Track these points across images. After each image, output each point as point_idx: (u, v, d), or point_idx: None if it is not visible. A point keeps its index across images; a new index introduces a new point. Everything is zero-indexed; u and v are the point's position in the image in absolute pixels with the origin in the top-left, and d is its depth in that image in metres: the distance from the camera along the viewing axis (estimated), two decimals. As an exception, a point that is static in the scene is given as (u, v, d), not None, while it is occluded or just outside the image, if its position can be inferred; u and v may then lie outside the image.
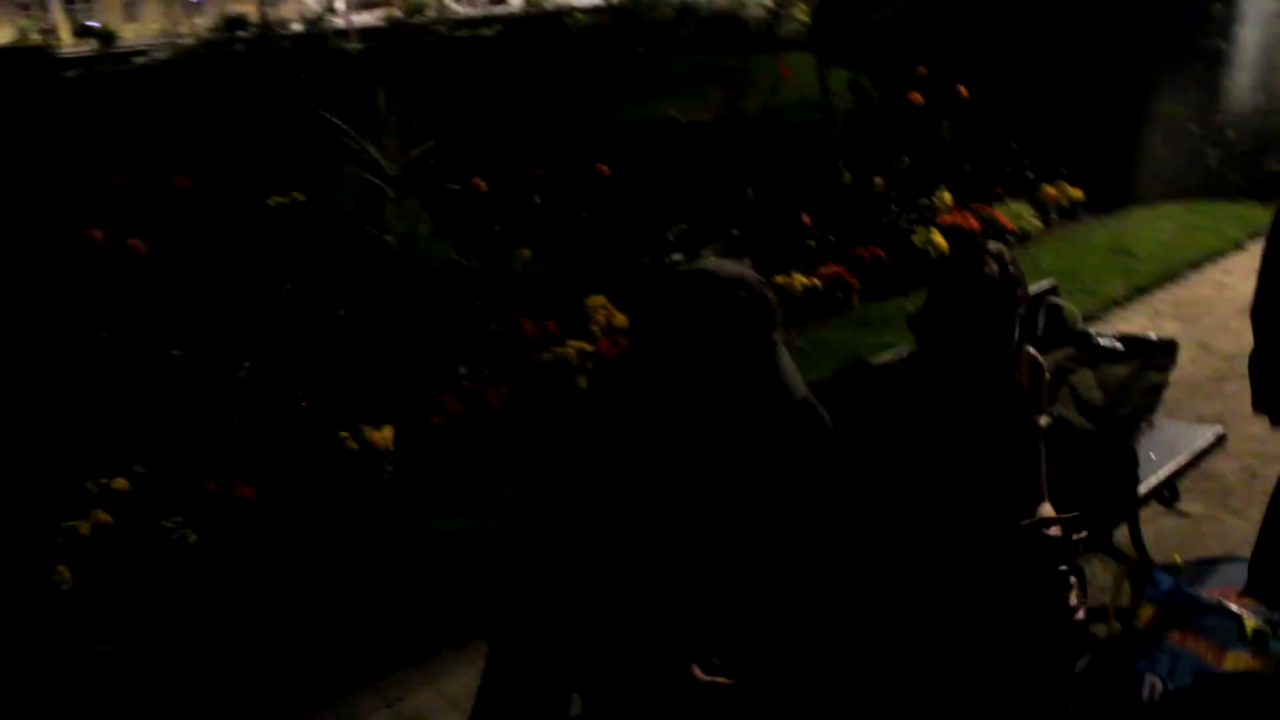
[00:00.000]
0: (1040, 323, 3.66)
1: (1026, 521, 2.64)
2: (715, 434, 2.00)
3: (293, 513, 4.30)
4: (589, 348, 5.23)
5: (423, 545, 4.05)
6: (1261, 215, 7.92)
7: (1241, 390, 5.32)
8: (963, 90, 7.24)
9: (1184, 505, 4.09)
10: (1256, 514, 4.10)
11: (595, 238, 5.75)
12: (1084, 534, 2.63)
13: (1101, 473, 3.26)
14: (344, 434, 4.58)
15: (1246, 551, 3.85)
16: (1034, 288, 3.80)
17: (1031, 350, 2.73)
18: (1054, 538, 2.61)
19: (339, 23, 20.14)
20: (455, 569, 3.86)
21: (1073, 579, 2.60)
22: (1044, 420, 2.72)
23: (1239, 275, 7.03)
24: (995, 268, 2.49)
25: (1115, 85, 7.91)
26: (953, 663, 2.50)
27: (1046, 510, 2.73)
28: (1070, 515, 2.65)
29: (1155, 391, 3.38)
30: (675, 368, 1.94)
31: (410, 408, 4.79)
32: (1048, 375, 2.77)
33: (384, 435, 4.59)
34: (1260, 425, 4.84)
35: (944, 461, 2.62)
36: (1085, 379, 3.38)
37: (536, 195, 5.70)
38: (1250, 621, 2.85)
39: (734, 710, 2.11)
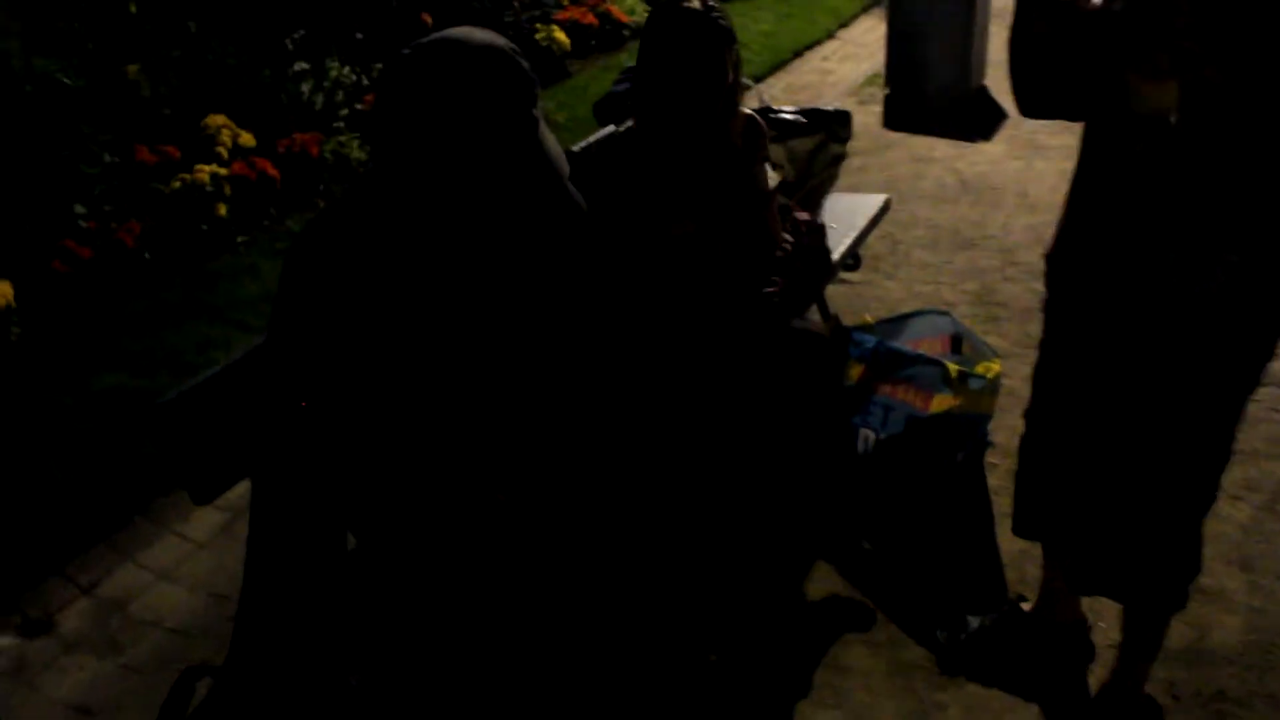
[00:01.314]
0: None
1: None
2: (480, 222, 1.83)
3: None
4: (222, 171, 4.74)
5: (85, 408, 3.57)
6: (845, 4, 8.42)
7: (865, 165, 5.73)
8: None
9: (843, 275, 4.35)
10: (905, 276, 4.47)
11: (207, 50, 5.14)
12: None
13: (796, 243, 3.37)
14: (-51, 297, 3.91)
15: (909, 308, 4.18)
16: None
17: (747, 110, 2.70)
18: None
19: None
20: (128, 427, 3.44)
21: None
22: (775, 177, 2.73)
23: (836, 60, 7.47)
24: (698, 4, 2.47)
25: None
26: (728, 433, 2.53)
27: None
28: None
29: (837, 163, 3.52)
30: (428, 152, 1.75)
31: (27, 259, 4.15)
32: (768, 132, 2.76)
33: (1, 292, 3.96)
34: (891, 197, 5.25)
35: (675, 230, 2.57)
36: (775, 154, 3.44)
37: (132, 4, 4.97)
38: (953, 366, 3.09)
39: (531, 533, 2.03)
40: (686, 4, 2.47)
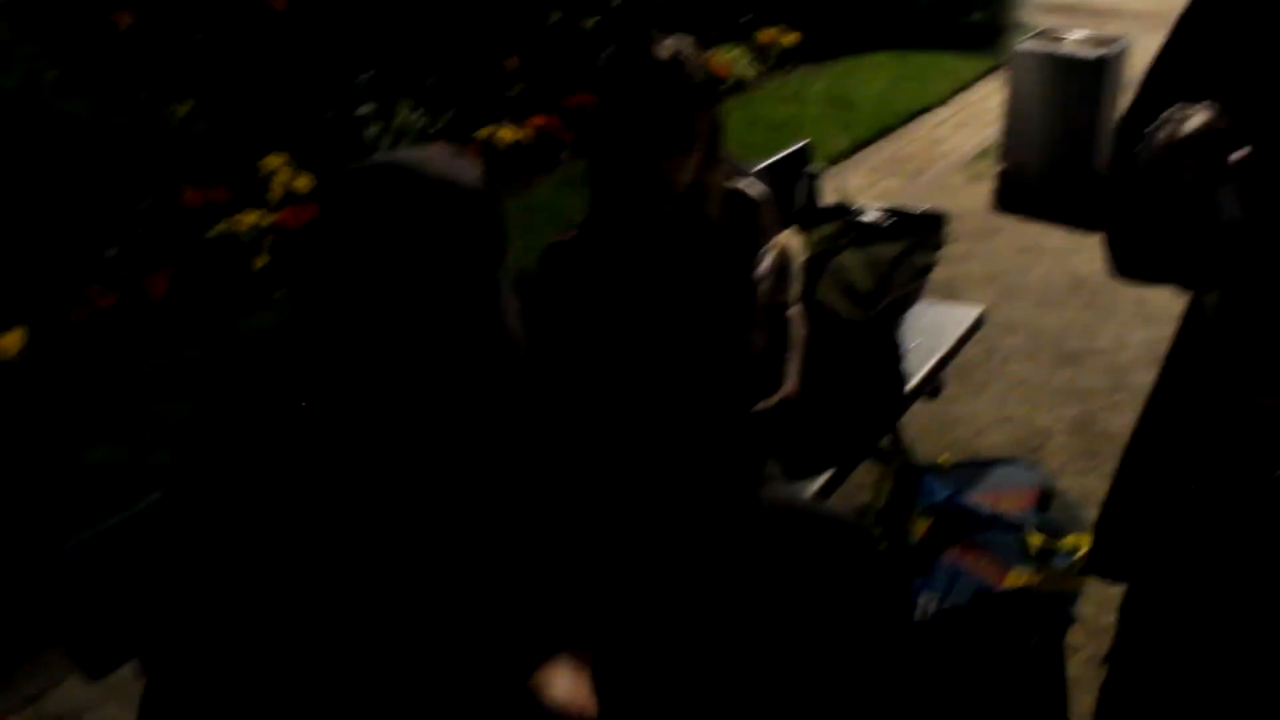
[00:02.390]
0: (798, 196, 3.26)
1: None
2: (412, 402, 1.46)
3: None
4: (267, 219, 4.47)
5: (68, 485, 3.29)
6: (966, 67, 7.92)
7: (968, 253, 5.27)
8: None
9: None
10: (998, 390, 4.00)
11: (271, 86, 4.90)
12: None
13: (867, 369, 2.94)
14: (-45, 340, 3.69)
15: (997, 434, 3.73)
16: (785, 152, 3.45)
17: (740, 185, 2.27)
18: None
19: None
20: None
21: None
22: (767, 262, 2.24)
23: (950, 129, 6.99)
24: (666, 54, 2.02)
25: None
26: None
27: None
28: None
29: (924, 274, 3.08)
30: (353, 306, 1.37)
31: (47, 303, 3.91)
32: (768, 211, 2.31)
33: (10, 341, 3.72)
34: (991, 293, 4.78)
35: (649, 336, 2.15)
36: (851, 260, 3.01)
37: (199, 34, 4.76)
38: (1035, 538, 2.64)
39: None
40: (662, 46, 2.01)
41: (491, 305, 1.38)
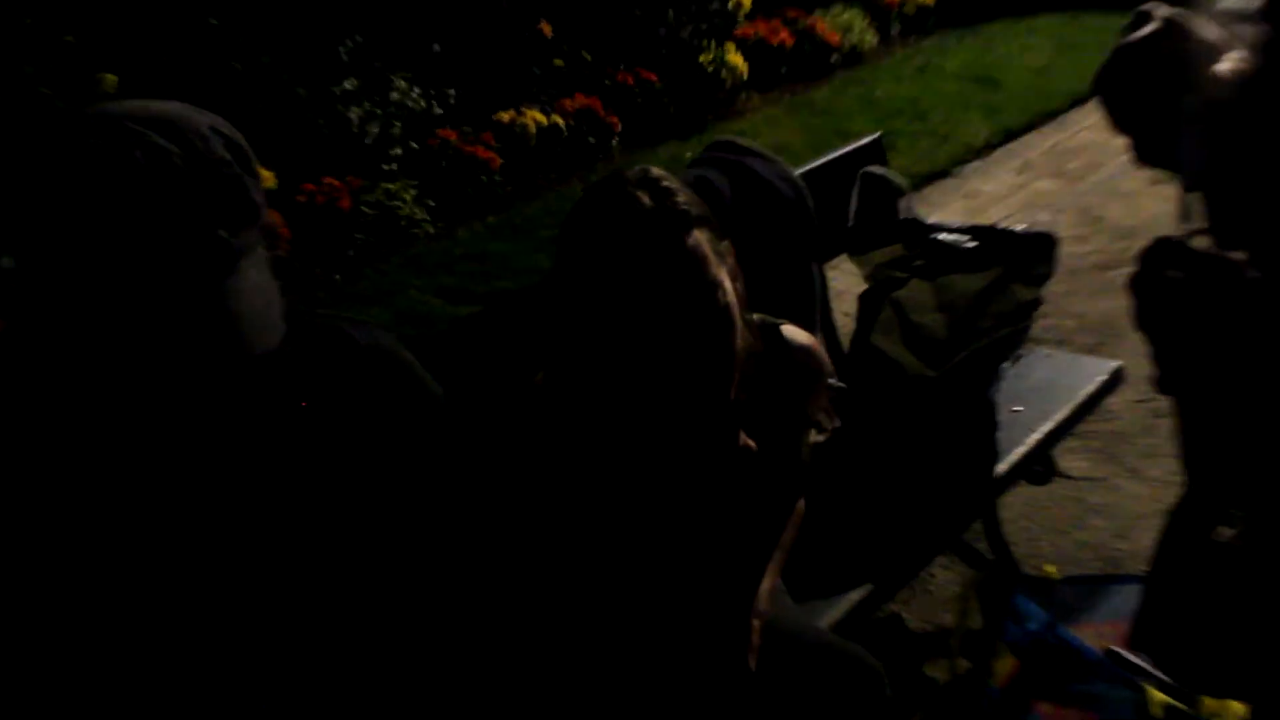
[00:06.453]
0: (853, 204, 3.01)
1: None
2: (135, 402, 1.48)
3: None
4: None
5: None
6: (1161, 31, 7.60)
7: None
8: None
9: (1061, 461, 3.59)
10: (1160, 473, 3.66)
11: (229, 54, 4.84)
12: None
13: (943, 441, 2.68)
14: None
15: (1150, 535, 3.38)
16: (849, 147, 3.28)
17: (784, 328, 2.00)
18: None
19: None
20: None
21: None
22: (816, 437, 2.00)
23: (1132, 114, 6.71)
24: (646, 195, 1.75)
25: None
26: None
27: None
28: None
29: (1024, 314, 2.79)
30: (60, 281, 1.43)
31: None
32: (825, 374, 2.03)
33: None
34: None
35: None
36: (919, 295, 2.80)
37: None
38: (1158, 695, 2.33)
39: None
40: (630, 191, 1.73)
41: (220, 273, 1.39)
